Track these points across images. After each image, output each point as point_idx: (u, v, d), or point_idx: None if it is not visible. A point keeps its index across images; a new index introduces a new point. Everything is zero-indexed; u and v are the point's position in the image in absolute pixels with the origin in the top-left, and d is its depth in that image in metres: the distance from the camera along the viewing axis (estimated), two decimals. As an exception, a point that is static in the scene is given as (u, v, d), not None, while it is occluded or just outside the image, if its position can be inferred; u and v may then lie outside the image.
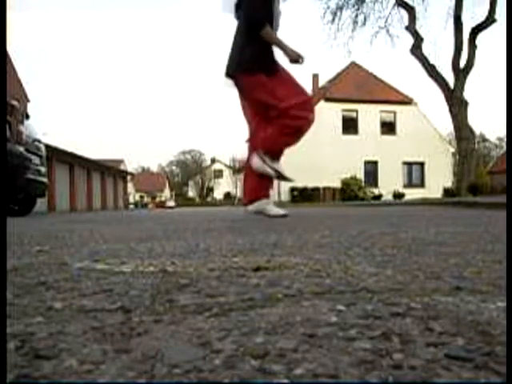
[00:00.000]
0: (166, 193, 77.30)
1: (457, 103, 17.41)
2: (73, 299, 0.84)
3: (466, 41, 17.98)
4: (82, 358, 0.52)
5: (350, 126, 28.29)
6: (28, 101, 27.68)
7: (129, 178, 39.27)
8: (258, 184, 4.33)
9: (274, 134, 4.16)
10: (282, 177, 4.39)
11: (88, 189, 25.08)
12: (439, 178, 27.49)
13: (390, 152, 27.86)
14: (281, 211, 4.28)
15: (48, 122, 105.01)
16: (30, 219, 6.03)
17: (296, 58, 4.10)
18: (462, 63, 17.89)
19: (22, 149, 6.29)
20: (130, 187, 50.83)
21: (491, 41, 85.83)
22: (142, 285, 0.98)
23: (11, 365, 0.51)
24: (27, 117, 6.84)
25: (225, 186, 70.55)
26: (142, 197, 73.19)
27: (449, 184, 26.16)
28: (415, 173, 28.98)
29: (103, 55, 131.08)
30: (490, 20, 17.74)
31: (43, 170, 7.18)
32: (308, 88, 35.10)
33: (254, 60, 4.07)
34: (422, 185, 28.54)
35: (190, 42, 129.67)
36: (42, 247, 1.83)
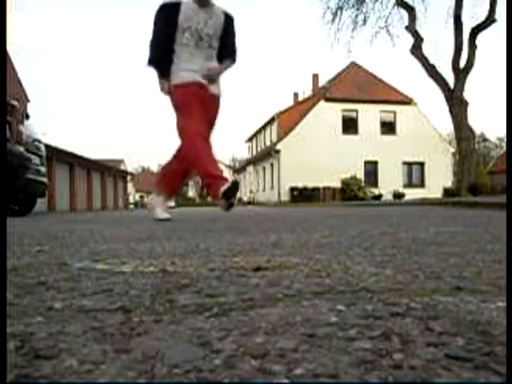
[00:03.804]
0: (166, 193, 77.07)
1: (457, 103, 17.39)
2: (73, 299, 0.84)
3: (466, 41, 17.96)
4: (82, 358, 0.52)
5: (349, 126, 28.29)
6: (28, 101, 27.67)
7: (129, 177, 39.25)
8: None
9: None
10: None
11: (88, 189, 25.07)
12: (439, 178, 27.48)
13: (390, 152, 27.86)
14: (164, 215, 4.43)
15: (48, 122, 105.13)
16: (30, 219, 6.02)
17: None
18: (462, 63, 17.86)
19: (22, 149, 6.29)
20: (130, 187, 50.79)
21: (491, 41, 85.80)
22: (141, 285, 0.97)
23: (11, 365, 0.51)
24: (27, 117, 6.84)
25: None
26: (141, 197, 73.04)
27: (449, 184, 26.14)
28: (415, 173, 28.98)
29: (103, 55, 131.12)
30: (489, 20, 17.71)
31: (43, 169, 7.18)
32: (308, 88, 35.16)
33: None
34: (422, 185, 28.53)
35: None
36: (42, 247, 1.83)
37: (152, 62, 4.28)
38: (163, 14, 4.24)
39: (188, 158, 4.20)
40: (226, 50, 4.46)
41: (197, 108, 4.20)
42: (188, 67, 4.28)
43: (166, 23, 4.22)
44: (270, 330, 0.62)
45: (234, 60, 4.53)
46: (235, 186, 3.90)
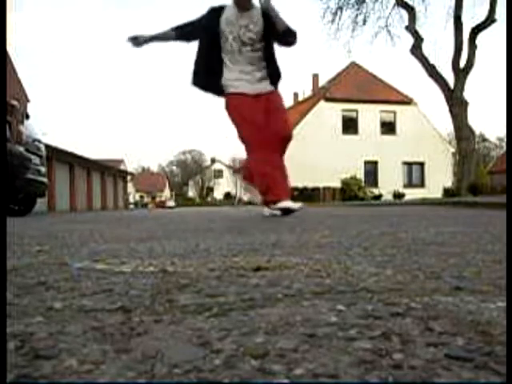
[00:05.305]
0: (166, 193, 77.30)
1: (457, 103, 17.40)
2: (73, 299, 0.84)
3: (466, 41, 17.97)
4: (82, 358, 0.52)
5: (349, 126, 28.29)
6: (28, 101, 27.66)
7: (129, 178, 39.25)
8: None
9: None
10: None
11: (88, 189, 25.08)
12: (439, 178, 27.48)
13: (390, 152, 27.85)
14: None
15: (48, 122, 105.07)
16: (30, 219, 6.02)
17: None
18: (462, 63, 17.88)
19: (22, 149, 6.29)
20: (130, 187, 50.81)
21: (491, 41, 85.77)
22: (141, 285, 0.97)
23: (11, 365, 0.51)
24: (27, 117, 6.84)
25: (225, 186, 70.50)
26: (141, 197, 73.20)
27: (449, 184, 26.14)
28: (415, 173, 28.98)
29: (104, 55, 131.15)
30: (489, 20, 17.72)
31: (43, 169, 7.18)
32: (308, 88, 35.15)
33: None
34: (422, 185, 28.53)
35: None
36: (41, 247, 1.83)
37: (194, 81, 4.33)
38: (205, 19, 4.32)
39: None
40: (280, 36, 4.36)
41: (252, 128, 4.37)
42: (232, 76, 4.31)
43: (207, 32, 4.28)
44: (270, 330, 0.62)
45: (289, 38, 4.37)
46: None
